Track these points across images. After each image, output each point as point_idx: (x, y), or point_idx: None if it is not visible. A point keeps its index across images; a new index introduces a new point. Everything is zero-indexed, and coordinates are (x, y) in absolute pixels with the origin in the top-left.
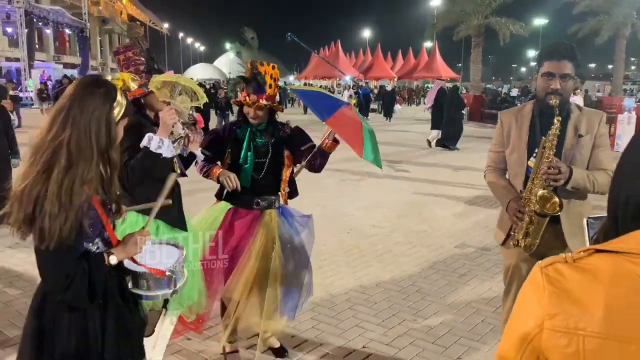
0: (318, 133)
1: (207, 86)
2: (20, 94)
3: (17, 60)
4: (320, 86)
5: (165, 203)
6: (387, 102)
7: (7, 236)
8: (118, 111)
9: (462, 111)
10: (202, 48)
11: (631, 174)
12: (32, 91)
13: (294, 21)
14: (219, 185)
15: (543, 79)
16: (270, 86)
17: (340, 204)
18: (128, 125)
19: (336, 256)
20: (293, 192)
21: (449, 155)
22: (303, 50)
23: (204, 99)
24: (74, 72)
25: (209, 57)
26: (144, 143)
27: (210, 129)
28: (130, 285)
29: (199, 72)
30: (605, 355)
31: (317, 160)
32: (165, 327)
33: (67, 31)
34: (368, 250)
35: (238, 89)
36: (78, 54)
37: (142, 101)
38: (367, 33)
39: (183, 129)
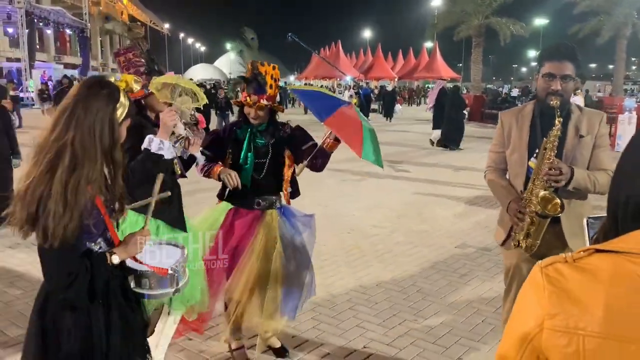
0: (319, 133)
1: (208, 86)
2: (21, 94)
3: (18, 60)
4: (321, 86)
5: (164, 196)
6: (388, 102)
7: (7, 236)
8: (121, 112)
9: (464, 111)
10: (202, 48)
11: (631, 174)
12: (33, 91)
13: (295, 21)
14: (221, 185)
15: (544, 80)
16: (271, 86)
17: (341, 204)
18: (129, 126)
19: (337, 256)
20: (295, 192)
21: (449, 155)
22: (303, 51)
23: (204, 100)
24: (75, 73)
25: (210, 58)
26: (144, 145)
27: (211, 129)
28: (133, 284)
29: (199, 72)
30: (605, 354)
31: (319, 159)
32: (168, 326)
33: (68, 31)
34: (369, 250)
35: (239, 89)
36: (79, 54)
37: (143, 102)
38: (367, 33)
39: (185, 129)
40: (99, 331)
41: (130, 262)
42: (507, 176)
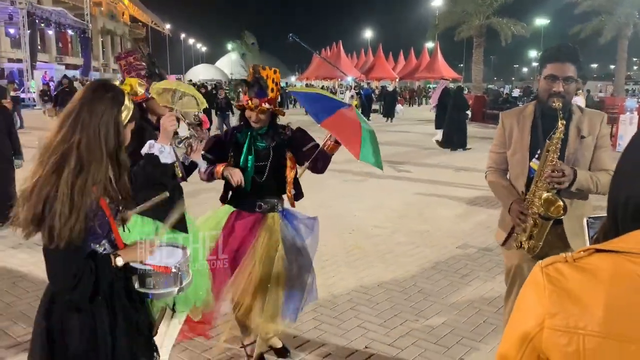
0: (319, 134)
1: (209, 87)
2: (23, 95)
3: (20, 61)
4: (322, 87)
5: (162, 197)
6: (389, 102)
7: (9, 236)
8: (126, 114)
9: (467, 112)
10: (203, 49)
11: (631, 174)
12: (34, 92)
13: (296, 22)
14: (223, 187)
15: (546, 81)
16: (272, 90)
17: (342, 204)
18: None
19: (338, 256)
20: (299, 194)
21: (450, 155)
22: (304, 51)
23: (204, 104)
24: (76, 73)
25: (211, 58)
26: (145, 150)
27: (211, 129)
28: (137, 285)
29: (200, 72)
30: (605, 354)
31: (319, 162)
32: (172, 327)
33: (70, 32)
34: (370, 250)
35: (240, 90)
36: (80, 55)
37: (144, 106)
38: (368, 34)
39: (189, 129)
40: (103, 332)
41: (133, 262)
42: (508, 177)
